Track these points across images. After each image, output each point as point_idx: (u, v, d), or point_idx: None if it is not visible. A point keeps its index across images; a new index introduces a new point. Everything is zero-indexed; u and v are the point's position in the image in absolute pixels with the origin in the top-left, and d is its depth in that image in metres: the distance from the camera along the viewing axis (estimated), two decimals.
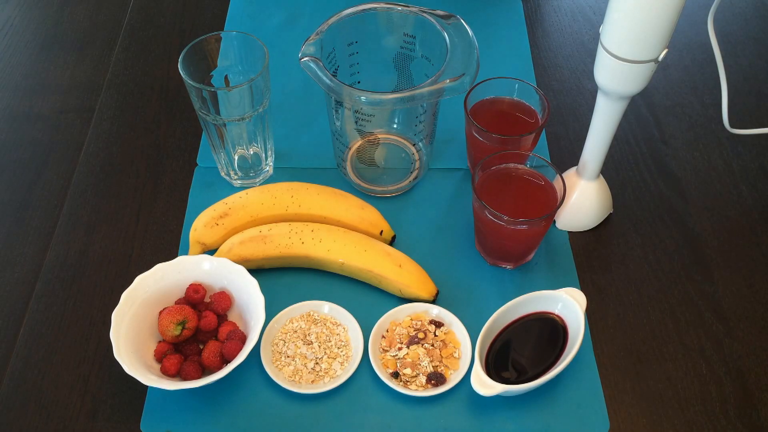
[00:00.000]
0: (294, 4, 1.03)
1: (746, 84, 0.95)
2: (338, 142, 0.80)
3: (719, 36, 0.78)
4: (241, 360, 0.64)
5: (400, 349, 0.69)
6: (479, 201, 0.69)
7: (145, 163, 0.86)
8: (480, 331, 0.67)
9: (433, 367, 0.68)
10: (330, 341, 0.70)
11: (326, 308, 0.72)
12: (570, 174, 0.79)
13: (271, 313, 0.70)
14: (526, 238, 0.72)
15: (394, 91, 0.69)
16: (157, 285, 0.70)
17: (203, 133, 0.87)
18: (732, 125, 0.78)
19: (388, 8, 0.76)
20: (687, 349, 0.71)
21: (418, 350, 0.69)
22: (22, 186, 0.84)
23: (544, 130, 0.87)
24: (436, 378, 0.67)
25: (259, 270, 0.74)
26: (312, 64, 0.70)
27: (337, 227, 0.75)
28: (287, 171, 0.84)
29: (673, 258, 0.78)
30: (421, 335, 0.70)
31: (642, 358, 0.71)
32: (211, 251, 0.76)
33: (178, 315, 0.67)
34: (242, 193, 0.77)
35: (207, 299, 0.71)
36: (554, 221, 0.80)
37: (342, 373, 0.68)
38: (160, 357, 0.67)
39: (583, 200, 0.78)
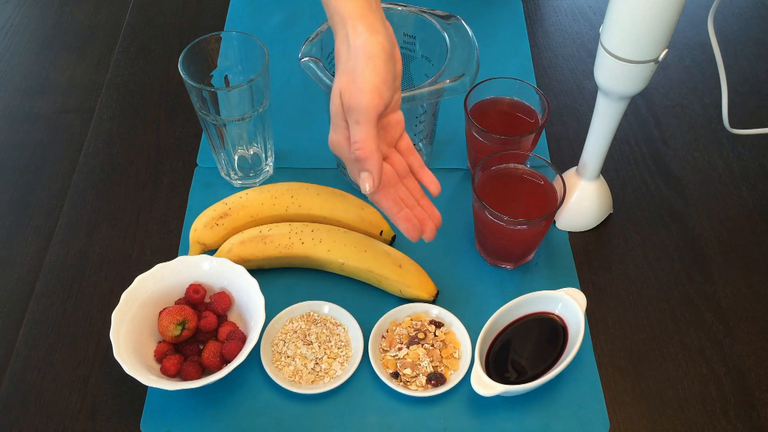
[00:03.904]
0: (294, 4, 1.03)
1: (746, 84, 0.95)
2: None
3: (719, 36, 0.78)
4: (241, 360, 0.64)
5: (400, 349, 0.69)
6: (479, 201, 0.69)
7: (145, 163, 0.86)
8: (480, 331, 0.67)
9: (433, 367, 0.68)
10: (330, 341, 0.70)
11: (326, 308, 0.72)
12: (570, 174, 0.79)
13: (271, 313, 0.70)
14: (526, 238, 0.72)
15: None
16: (157, 285, 0.70)
17: (203, 133, 0.87)
18: (732, 125, 0.78)
19: (388, 8, 0.76)
20: (687, 349, 0.71)
21: (418, 350, 0.69)
22: (22, 186, 0.84)
23: (544, 131, 0.87)
24: (436, 378, 0.67)
25: (259, 270, 0.74)
26: (312, 64, 0.70)
27: (337, 227, 0.75)
28: (287, 171, 0.84)
29: (673, 258, 0.78)
30: (421, 335, 0.70)
31: (642, 358, 0.71)
32: (211, 251, 0.76)
33: (178, 315, 0.67)
34: (242, 193, 0.77)
35: (207, 299, 0.71)
36: (554, 221, 0.80)
37: (342, 373, 0.68)
38: (160, 357, 0.67)
39: (583, 200, 0.78)
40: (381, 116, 0.57)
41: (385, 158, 0.62)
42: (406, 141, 0.64)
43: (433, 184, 0.64)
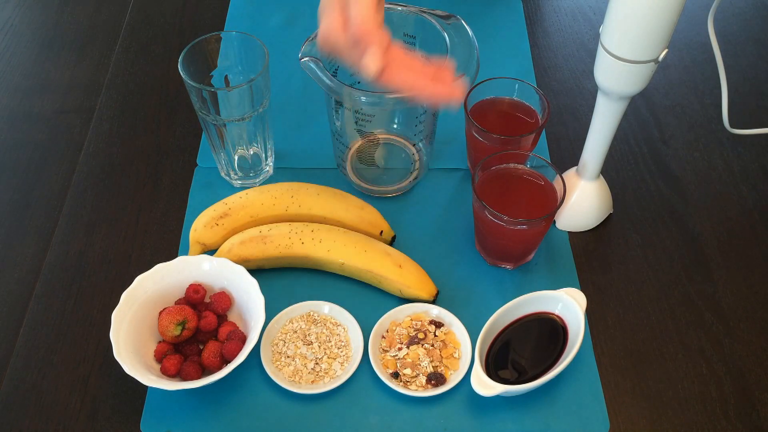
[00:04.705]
0: (294, 4, 1.03)
1: (746, 84, 0.95)
2: (338, 142, 0.80)
3: (719, 36, 0.78)
4: (241, 360, 0.64)
5: (400, 349, 0.69)
6: (479, 201, 0.69)
7: (145, 163, 0.86)
8: (480, 331, 0.67)
9: (433, 367, 0.68)
10: (330, 341, 0.70)
11: (326, 308, 0.72)
12: (570, 174, 0.79)
13: (271, 313, 0.70)
14: (526, 238, 0.72)
15: (394, 91, 0.68)
16: (157, 285, 0.70)
17: (203, 133, 0.87)
18: (732, 125, 0.78)
19: (388, 8, 0.76)
20: (687, 349, 0.71)
21: (418, 350, 0.69)
22: (22, 186, 0.84)
23: (544, 131, 0.87)
24: (436, 378, 0.67)
25: (259, 270, 0.74)
26: (312, 64, 0.70)
27: (337, 227, 0.75)
28: (287, 171, 0.84)
29: (673, 258, 0.78)
30: (421, 335, 0.70)
31: (642, 358, 0.71)
32: (211, 251, 0.76)
33: (178, 315, 0.67)
34: (242, 193, 0.77)
35: (207, 299, 0.71)
36: (554, 221, 0.80)
37: (342, 373, 0.68)
38: (160, 357, 0.67)
39: (583, 200, 0.78)
40: None
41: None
42: (400, 44, 0.58)
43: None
